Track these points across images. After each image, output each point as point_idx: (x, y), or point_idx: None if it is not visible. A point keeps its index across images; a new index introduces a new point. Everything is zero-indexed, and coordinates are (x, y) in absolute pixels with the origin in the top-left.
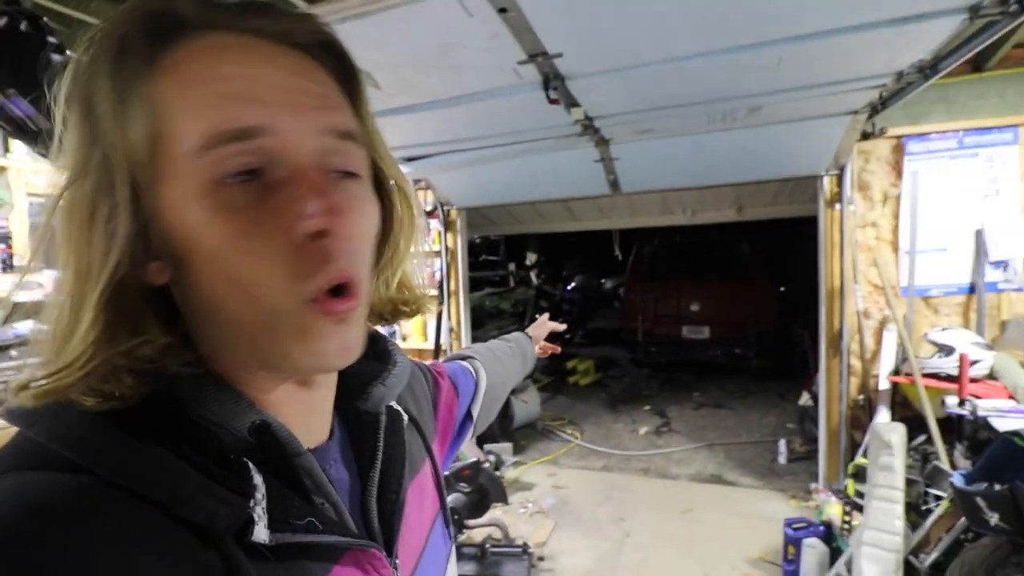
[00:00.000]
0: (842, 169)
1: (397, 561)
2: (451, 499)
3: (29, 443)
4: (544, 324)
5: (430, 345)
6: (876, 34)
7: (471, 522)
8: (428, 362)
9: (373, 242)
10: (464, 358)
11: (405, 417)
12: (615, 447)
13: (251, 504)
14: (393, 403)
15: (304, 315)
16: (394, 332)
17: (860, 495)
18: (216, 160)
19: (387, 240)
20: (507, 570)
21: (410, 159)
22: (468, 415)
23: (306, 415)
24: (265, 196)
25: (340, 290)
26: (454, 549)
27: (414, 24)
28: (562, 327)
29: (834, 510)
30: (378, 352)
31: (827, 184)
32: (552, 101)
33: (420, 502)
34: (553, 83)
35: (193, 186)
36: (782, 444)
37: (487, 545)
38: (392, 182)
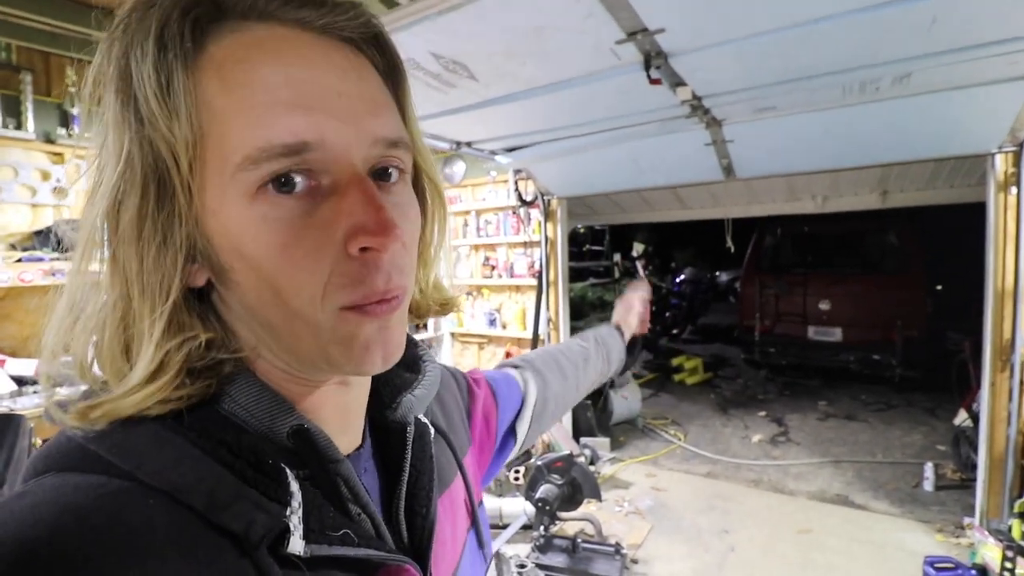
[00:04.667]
0: (1020, 146)
1: None
2: (542, 490)
3: (71, 444)
4: (630, 305)
5: (528, 334)
6: None
7: (563, 514)
8: (466, 370)
9: (416, 246)
10: (516, 366)
11: (432, 430)
12: (722, 453)
13: (287, 513)
14: (421, 416)
15: (344, 322)
16: (494, 320)
17: None
18: (264, 173)
19: (420, 239)
20: (598, 567)
21: (509, 149)
22: (512, 430)
23: (342, 420)
24: (312, 207)
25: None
26: (493, 566)
27: (506, 10)
28: (645, 291)
29: (991, 553)
30: (408, 360)
31: (1000, 163)
32: (653, 81)
33: (452, 518)
34: (655, 61)
35: (236, 195)
36: (929, 468)
37: (579, 539)
38: (427, 179)
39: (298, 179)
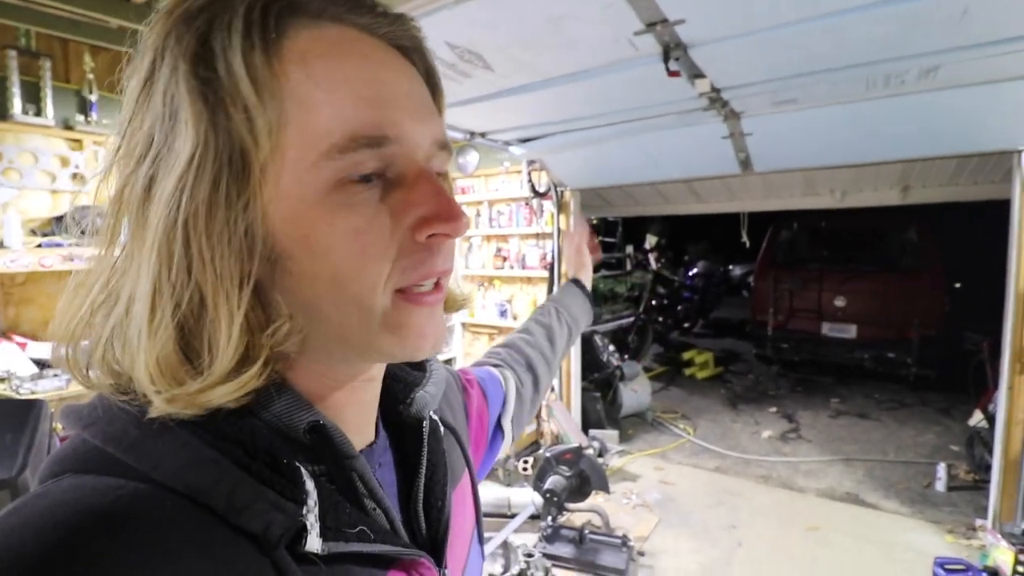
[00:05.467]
0: None
1: (446, 571)
2: (550, 481)
3: (87, 445)
4: (578, 252)
5: None
6: None
7: (570, 505)
8: (456, 368)
9: None
10: (495, 365)
11: (442, 426)
12: (731, 448)
13: (304, 512)
14: (431, 412)
15: (397, 309)
16: (505, 311)
17: None
18: (349, 163)
19: None
20: (605, 558)
21: (523, 140)
22: (499, 426)
23: (361, 417)
24: (383, 196)
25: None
26: (500, 554)
27: (523, 0)
28: (581, 230)
29: (1004, 556)
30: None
31: None
32: (672, 73)
33: (463, 512)
34: (674, 53)
35: (315, 182)
36: (941, 468)
37: (586, 530)
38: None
39: (374, 170)
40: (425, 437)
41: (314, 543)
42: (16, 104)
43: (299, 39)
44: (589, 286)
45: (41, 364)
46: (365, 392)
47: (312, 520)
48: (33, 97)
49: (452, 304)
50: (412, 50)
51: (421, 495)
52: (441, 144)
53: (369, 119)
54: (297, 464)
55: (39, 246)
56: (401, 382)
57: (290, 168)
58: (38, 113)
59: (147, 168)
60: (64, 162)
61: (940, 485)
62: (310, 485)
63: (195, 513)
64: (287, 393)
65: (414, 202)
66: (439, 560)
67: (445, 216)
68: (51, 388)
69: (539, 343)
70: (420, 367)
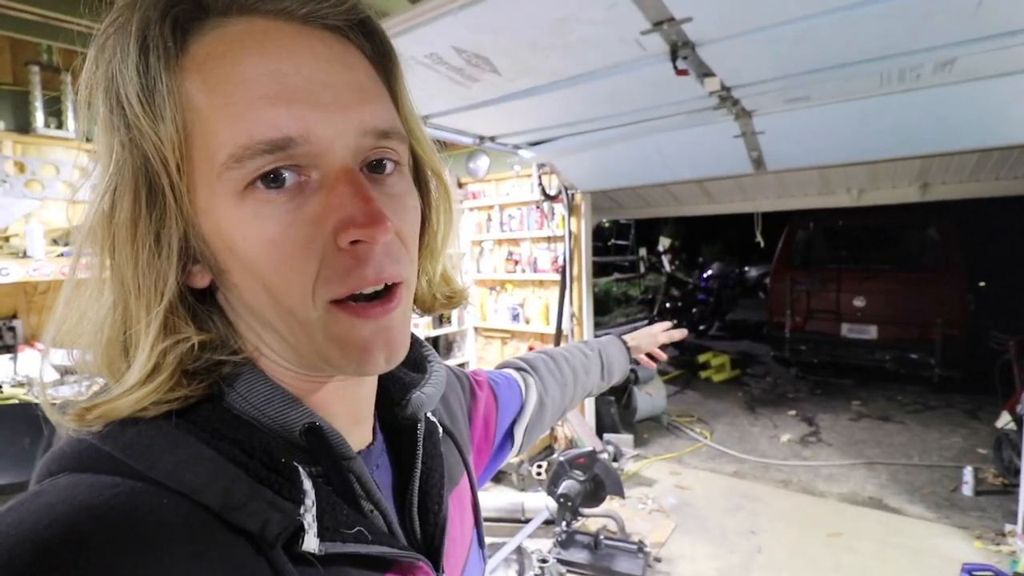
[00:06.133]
0: None
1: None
2: (564, 486)
3: (83, 444)
4: (654, 334)
5: (552, 329)
6: None
7: (585, 510)
8: (468, 370)
9: (416, 237)
10: (520, 368)
11: (440, 429)
12: (749, 452)
13: (301, 511)
14: (429, 414)
15: (335, 321)
16: (517, 315)
17: None
18: (250, 170)
19: (425, 230)
20: (620, 564)
21: (533, 144)
22: (509, 434)
23: (353, 416)
24: (302, 202)
25: (380, 292)
26: (515, 560)
27: (528, 2)
28: (680, 335)
29: None
30: (413, 360)
31: None
32: (680, 72)
33: (461, 516)
34: (682, 52)
35: (225, 194)
36: (968, 472)
37: (601, 536)
38: (429, 169)
39: (286, 174)
40: (420, 439)
41: (311, 543)
42: (39, 118)
43: (204, 42)
44: (630, 356)
45: (63, 370)
46: (351, 392)
47: (309, 520)
48: (55, 111)
49: (432, 303)
50: (348, 29)
51: (416, 498)
52: (381, 132)
53: (267, 121)
54: (295, 464)
55: (61, 255)
56: (399, 383)
57: (201, 182)
58: (60, 126)
59: (93, 184)
60: (85, 173)
61: (967, 489)
62: (308, 485)
63: (192, 511)
64: (279, 394)
65: (332, 205)
66: (436, 564)
67: (361, 221)
68: (70, 394)
69: (575, 365)
70: (420, 368)
